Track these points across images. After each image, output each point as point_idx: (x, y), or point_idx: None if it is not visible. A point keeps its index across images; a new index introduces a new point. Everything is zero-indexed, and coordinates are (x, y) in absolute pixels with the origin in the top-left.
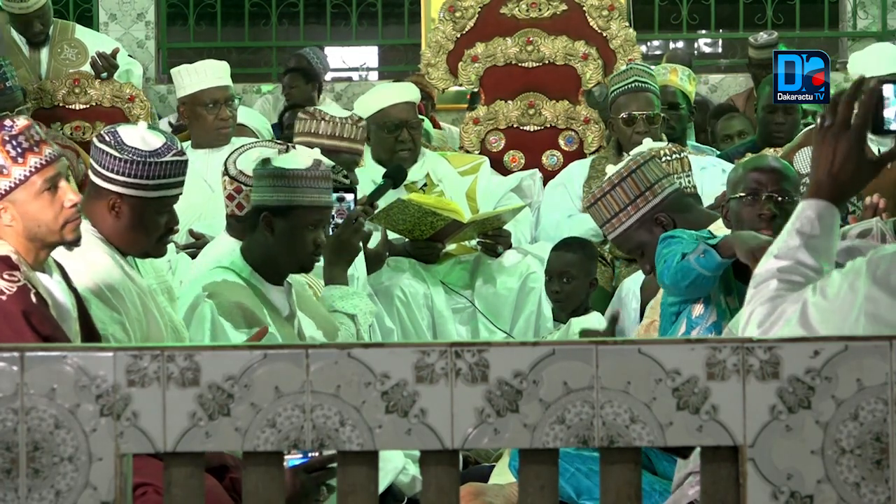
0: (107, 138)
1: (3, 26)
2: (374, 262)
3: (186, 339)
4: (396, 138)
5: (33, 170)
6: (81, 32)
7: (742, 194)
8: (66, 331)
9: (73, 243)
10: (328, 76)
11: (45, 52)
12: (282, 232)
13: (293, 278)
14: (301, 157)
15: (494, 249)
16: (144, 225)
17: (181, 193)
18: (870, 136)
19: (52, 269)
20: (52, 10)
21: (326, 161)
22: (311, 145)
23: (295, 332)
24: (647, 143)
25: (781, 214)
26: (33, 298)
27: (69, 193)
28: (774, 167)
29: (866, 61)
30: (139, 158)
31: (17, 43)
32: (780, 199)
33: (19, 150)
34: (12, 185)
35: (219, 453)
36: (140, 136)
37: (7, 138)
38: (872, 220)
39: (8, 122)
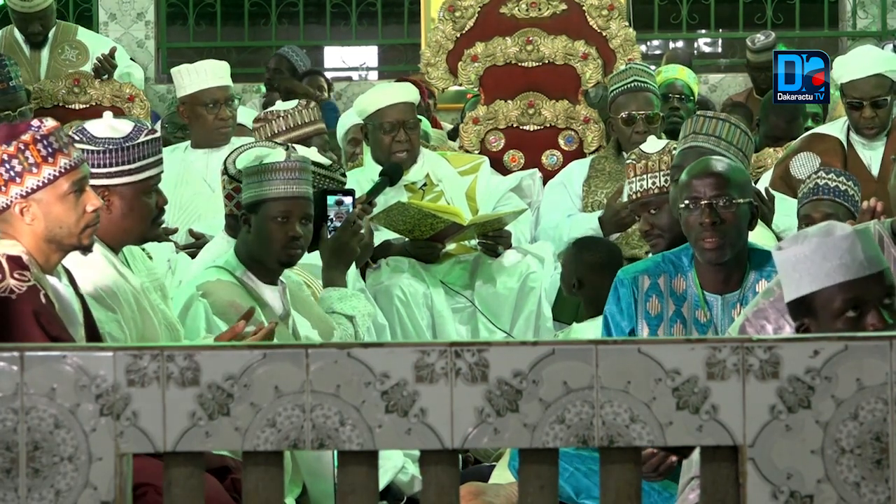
0: (77, 137)
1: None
2: (364, 253)
3: (182, 336)
4: (394, 138)
5: (62, 171)
6: (83, 34)
7: (683, 205)
8: (72, 335)
9: (88, 248)
10: (329, 75)
11: (45, 53)
12: (254, 228)
13: (289, 277)
14: (274, 153)
15: (494, 250)
16: (137, 210)
17: (163, 171)
18: (859, 139)
19: (61, 274)
20: (55, 12)
21: (305, 153)
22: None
23: (290, 331)
24: (651, 141)
25: (723, 220)
26: (43, 299)
27: (92, 198)
28: (714, 172)
29: (850, 66)
30: (115, 146)
31: (19, 43)
32: (720, 204)
33: (50, 149)
34: (40, 183)
35: (219, 455)
36: (108, 126)
37: (38, 137)
38: (870, 222)
39: (36, 122)
